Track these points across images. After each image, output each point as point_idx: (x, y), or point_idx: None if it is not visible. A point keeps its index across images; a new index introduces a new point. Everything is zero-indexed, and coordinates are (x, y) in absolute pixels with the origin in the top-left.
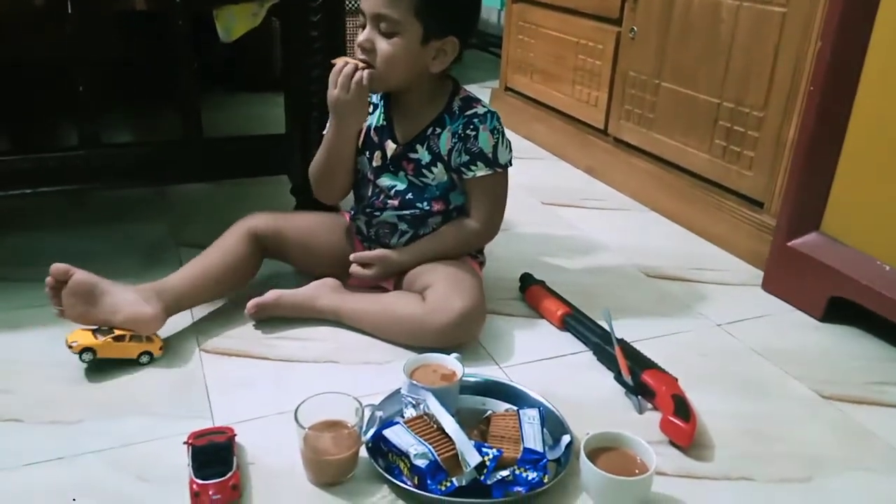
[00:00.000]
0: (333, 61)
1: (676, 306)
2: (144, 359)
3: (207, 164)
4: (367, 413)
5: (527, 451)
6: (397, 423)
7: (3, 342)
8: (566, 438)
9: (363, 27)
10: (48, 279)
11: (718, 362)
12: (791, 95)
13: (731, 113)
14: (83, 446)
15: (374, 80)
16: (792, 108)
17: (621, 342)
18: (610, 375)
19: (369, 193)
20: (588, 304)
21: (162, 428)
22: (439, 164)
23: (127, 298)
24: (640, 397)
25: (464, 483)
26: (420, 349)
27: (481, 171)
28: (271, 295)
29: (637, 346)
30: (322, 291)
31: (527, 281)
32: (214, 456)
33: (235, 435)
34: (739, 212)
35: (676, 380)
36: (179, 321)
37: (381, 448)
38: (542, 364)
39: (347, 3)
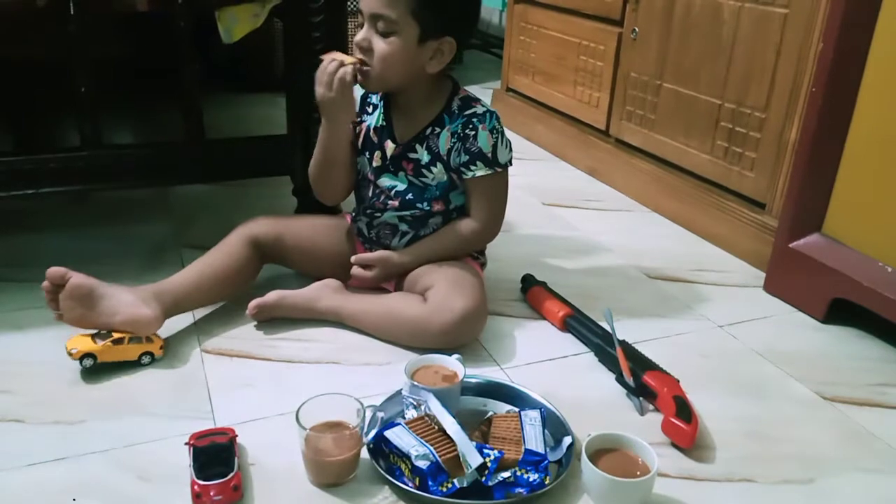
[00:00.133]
0: (321, 58)
1: (678, 307)
2: (145, 359)
3: (209, 165)
4: (369, 414)
5: (528, 452)
6: (398, 424)
7: (4, 342)
8: (567, 440)
9: (363, 27)
10: (45, 283)
11: (720, 363)
12: (793, 96)
13: (732, 114)
14: (84, 447)
15: (371, 78)
16: (794, 109)
17: (623, 343)
18: (611, 376)
19: (370, 194)
20: (589, 305)
21: (163, 428)
22: (439, 164)
23: (125, 300)
24: (641, 398)
25: (465, 484)
26: (421, 350)
27: (481, 171)
28: (273, 296)
29: (638, 347)
30: (323, 292)
31: (528, 282)
32: (216, 457)
33: (237, 436)
34: (741, 213)
35: (678, 381)
36: (180, 321)
37: (382, 449)
38: (543, 365)
39: (349, 3)
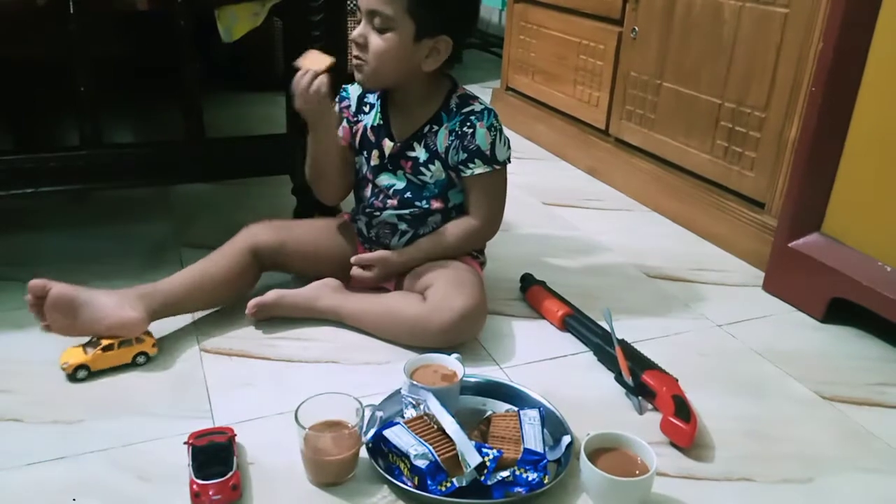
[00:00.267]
0: (295, 65)
1: (677, 307)
2: (141, 359)
3: (209, 165)
4: (368, 413)
5: (527, 451)
6: (398, 423)
7: (4, 342)
8: (566, 439)
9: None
10: (26, 297)
11: (719, 363)
12: (793, 96)
13: (732, 113)
14: (84, 446)
15: (365, 74)
16: (793, 108)
17: (622, 343)
18: (610, 376)
19: (368, 194)
20: (589, 304)
21: (162, 428)
22: (437, 162)
23: (108, 305)
24: (640, 398)
25: (464, 483)
26: (421, 349)
27: (479, 169)
28: (272, 295)
29: (637, 346)
30: (323, 292)
31: (527, 281)
32: (214, 456)
33: (236, 435)
34: (740, 212)
35: (677, 380)
36: (180, 321)
37: (381, 448)
38: (542, 364)
39: (348, 2)
